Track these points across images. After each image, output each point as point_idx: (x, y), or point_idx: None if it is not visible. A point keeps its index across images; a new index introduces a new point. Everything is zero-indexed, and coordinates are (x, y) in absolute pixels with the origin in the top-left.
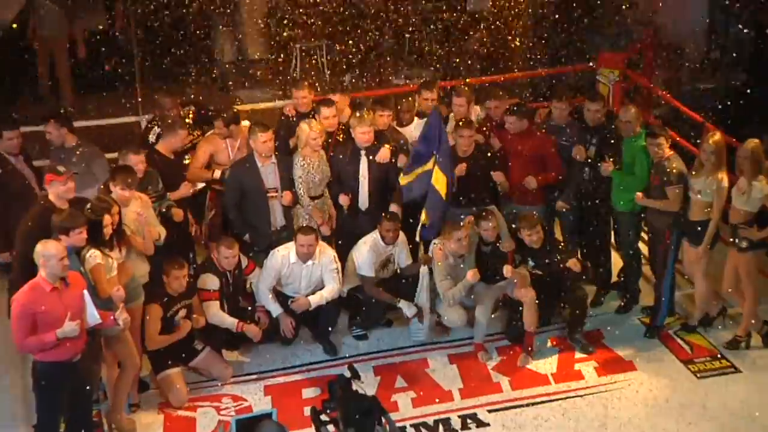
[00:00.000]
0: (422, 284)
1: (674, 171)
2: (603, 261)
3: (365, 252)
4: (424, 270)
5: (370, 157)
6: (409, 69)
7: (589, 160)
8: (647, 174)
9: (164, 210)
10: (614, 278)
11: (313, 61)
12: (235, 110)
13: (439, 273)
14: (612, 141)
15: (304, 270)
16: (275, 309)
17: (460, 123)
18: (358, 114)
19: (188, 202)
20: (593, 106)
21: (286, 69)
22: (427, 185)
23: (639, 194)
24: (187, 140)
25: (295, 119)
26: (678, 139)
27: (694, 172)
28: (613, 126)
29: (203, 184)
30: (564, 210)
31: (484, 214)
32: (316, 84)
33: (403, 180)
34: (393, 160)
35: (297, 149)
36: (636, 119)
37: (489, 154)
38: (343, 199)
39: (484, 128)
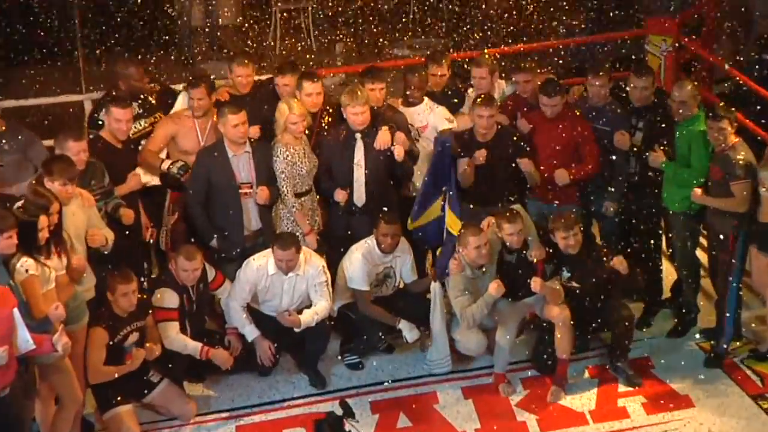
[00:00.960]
0: (435, 304)
1: (740, 162)
2: (652, 273)
3: (357, 261)
4: (435, 286)
5: (367, 142)
6: (415, 37)
7: (635, 150)
8: (707, 166)
9: (111, 210)
10: (666, 294)
11: (297, 27)
12: (212, 78)
13: (454, 287)
14: (663, 125)
15: (286, 283)
16: (250, 332)
17: (479, 100)
18: (349, 90)
19: (143, 200)
20: (640, 82)
21: (263, 36)
22: (441, 232)
23: (697, 190)
24: (128, 124)
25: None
26: (745, 122)
27: (764, 164)
28: (664, 107)
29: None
30: (610, 211)
31: (508, 215)
32: (301, 53)
33: (412, 225)
34: (393, 145)
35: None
36: (693, 98)
37: (515, 139)
38: (340, 195)
39: (510, 106)
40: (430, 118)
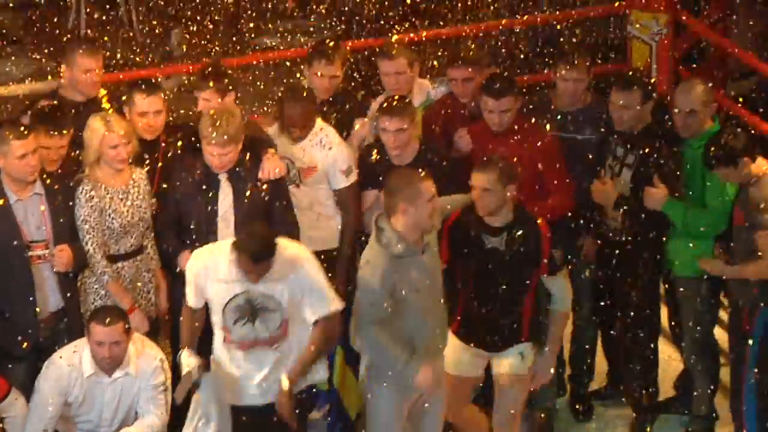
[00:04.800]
0: None
1: (760, 206)
2: (646, 364)
3: None
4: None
5: (237, 186)
6: (288, 19)
7: (622, 201)
8: (729, 206)
9: None
10: (667, 393)
11: (112, 13)
12: None
13: (368, 288)
14: (663, 154)
15: (109, 390)
16: None
17: (383, 106)
18: (210, 119)
19: None
20: (622, 98)
21: (61, 24)
22: None
23: (705, 261)
24: None
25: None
26: None
27: None
28: (665, 130)
29: None
30: (555, 258)
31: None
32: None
33: None
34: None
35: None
36: (705, 106)
37: (444, 164)
38: (185, 263)
39: (443, 115)
40: (322, 158)
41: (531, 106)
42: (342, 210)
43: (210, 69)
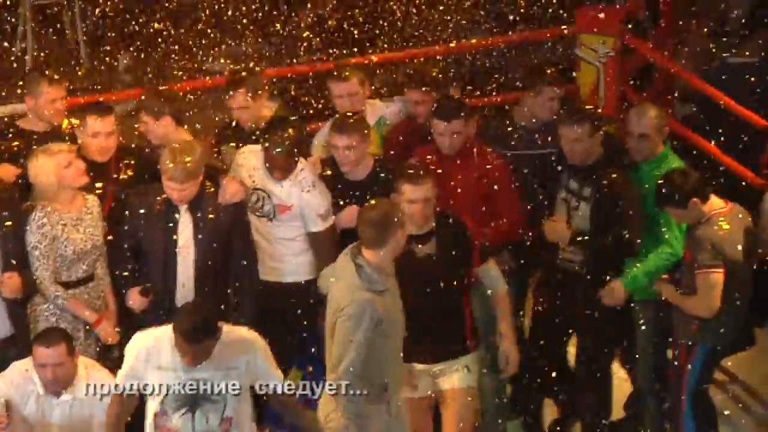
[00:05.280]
0: None
1: (714, 241)
2: (600, 389)
3: None
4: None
5: (198, 217)
6: (238, 43)
7: (578, 239)
8: (681, 234)
9: None
10: (618, 414)
11: (58, 30)
12: None
13: (360, 326)
14: (620, 185)
15: (58, 410)
16: None
17: (337, 122)
18: (171, 153)
19: None
20: (572, 132)
21: (7, 50)
22: None
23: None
24: None
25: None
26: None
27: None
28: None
29: None
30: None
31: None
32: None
33: None
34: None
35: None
36: (657, 130)
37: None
38: (136, 301)
39: (402, 137)
40: (299, 199)
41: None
42: (316, 254)
43: (148, 93)
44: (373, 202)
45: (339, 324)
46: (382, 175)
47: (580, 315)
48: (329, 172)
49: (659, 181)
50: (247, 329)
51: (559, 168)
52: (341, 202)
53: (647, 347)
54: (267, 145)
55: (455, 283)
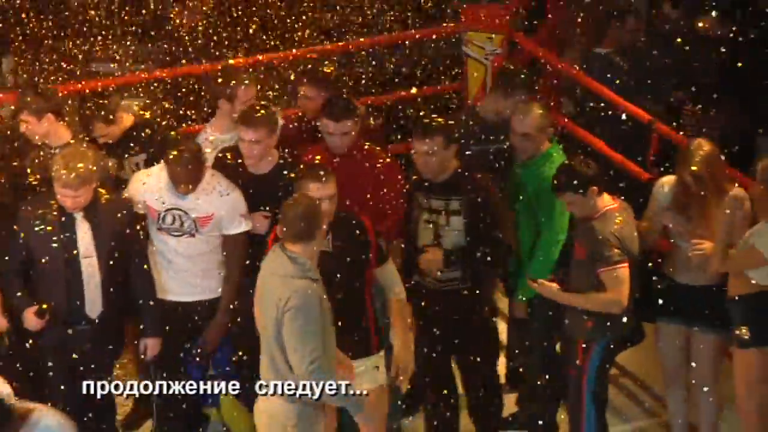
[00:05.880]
0: None
1: (614, 236)
2: (489, 384)
3: None
4: None
5: (95, 221)
6: (126, 43)
7: (451, 258)
8: (564, 227)
9: None
10: (511, 409)
11: None
12: None
13: (310, 316)
14: (490, 192)
15: None
16: None
17: (245, 115)
18: (63, 159)
19: None
20: (426, 146)
21: None
22: None
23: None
24: None
25: None
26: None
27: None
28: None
29: None
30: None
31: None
32: None
33: None
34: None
35: None
36: (541, 129)
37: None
38: (32, 322)
39: (295, 130)
40: (220, 205)
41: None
42: (229, 256)
43: (27, 92)
44: (294, 197)
45: (288, 318)
46: (285, 171)
47: (466, 329)
48: (233, 162)
49: (558, 168)
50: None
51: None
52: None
53: (538, 341)
54: (168, 164)
55: (352, 281)
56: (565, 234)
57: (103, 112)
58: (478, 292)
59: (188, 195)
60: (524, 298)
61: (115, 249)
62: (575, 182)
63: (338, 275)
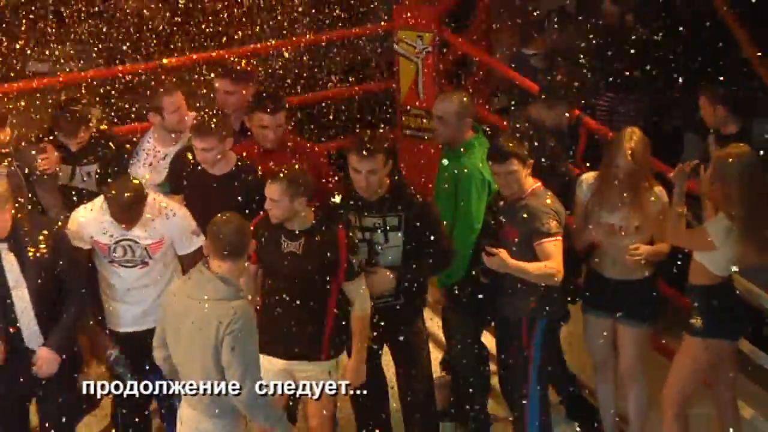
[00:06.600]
0: None
1: (550, 210)
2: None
3: None
4: None
5: (19, 250)
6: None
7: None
8: (480, 215)
9: None
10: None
11: None
12: None
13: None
14: (424, 205)
15: None
16: None
17: (197, 124)
18: None
19: None
20: (367, 165)
21: None
22: None
23: (501, 252)
24: None
25: None
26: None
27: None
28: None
29: None
30: None
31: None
32: None
33: None
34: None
35: None
36: (458, 117)
37: (257, 183)
38: None
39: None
40: (168, 227)
41: None
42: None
43: None
44: (224, 214)
45: (233, 339)
46: (243, 174)
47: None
48: (191, 161)
49: (503, 137)
50: None
51: None
52: (201, 194)
53: (462, 331)
54: (109, 202)
55: (314, 287)
56: (480, 223)
57: (89, 117)
58: (411, 305)
59: (131, 227)
60: (440, 286)
61: (46, 277)
62: (523, 152)
63: (297, 279)
